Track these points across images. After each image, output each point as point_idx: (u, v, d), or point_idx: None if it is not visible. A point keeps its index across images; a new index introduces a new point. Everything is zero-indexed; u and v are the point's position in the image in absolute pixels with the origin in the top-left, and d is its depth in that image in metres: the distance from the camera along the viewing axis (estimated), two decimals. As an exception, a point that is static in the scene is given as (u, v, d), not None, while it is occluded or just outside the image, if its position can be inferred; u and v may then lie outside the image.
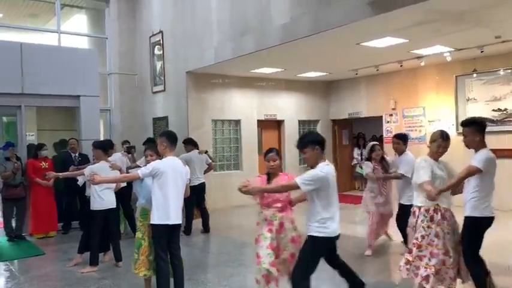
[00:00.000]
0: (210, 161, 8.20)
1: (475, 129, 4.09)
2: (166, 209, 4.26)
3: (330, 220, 3.66)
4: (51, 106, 9.06)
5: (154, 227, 4.32)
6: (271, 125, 11.75)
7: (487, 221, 4.08)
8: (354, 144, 13.11)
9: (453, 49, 8.28)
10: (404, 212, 5.22)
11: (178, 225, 4.47)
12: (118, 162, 6.39)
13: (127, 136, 11.02)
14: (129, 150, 10.15)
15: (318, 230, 3.66)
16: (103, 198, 5.73)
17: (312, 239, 3.70)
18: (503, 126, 8.83)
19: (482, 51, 8.22)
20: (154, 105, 11.36)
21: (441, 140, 4.17)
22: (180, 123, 10.33)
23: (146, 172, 4.24)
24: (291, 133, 11.83)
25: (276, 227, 4.14)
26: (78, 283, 5.36)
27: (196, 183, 7.55)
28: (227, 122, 10.98)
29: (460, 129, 4.38)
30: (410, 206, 4.43)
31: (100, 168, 5.40)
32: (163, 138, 4.44)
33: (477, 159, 4.01)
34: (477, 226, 4.07)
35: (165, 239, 4.38)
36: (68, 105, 8.96)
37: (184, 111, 10.19)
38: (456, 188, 4.13)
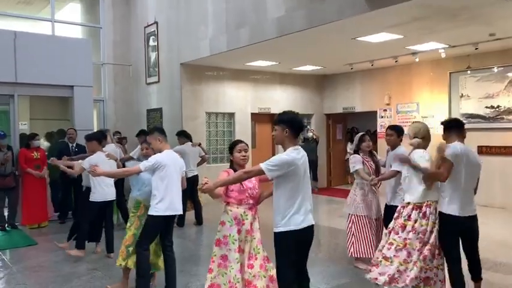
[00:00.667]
0: (204, 153, 8.21)
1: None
2: (170, 200, 4.30)
3: (296, 213, 3.25)
4: (44, 96, 9.00)
5: (154, 218, 4.27)
6: (265, 119, 11.76)
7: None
8: (348, 138, 13.15)
9: (447, 46, 8.32)
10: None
11: (174, 217, 4.50)
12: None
13: (120, 127, 11.01)
14: (121, 141, 10.12)
15: (282, 224, 3.26)
16: (104, 190, 5.76)
17: (277, 236, 3.30)
18: (495, 123, 8.90)
19: (476, 48, 8.26)
20: (149, 97, 11.32)
21: (429, 140, 4.25)
22: (174, 115, 10.31)
23: (148, 165, 4.22)
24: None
25: (246, 227, 3.78)
26: (71, 273, 5.38)
27: (190, 176, 7.56)
28: (221, 115, 10.98)
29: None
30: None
31: (99, 160, 5.35)
32: (156, 134, 4.45)
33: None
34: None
35: (158, 230, 4.40)
36: (62, 95, 8.91)
37: (178, 103, 10.17)
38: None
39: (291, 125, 3.32)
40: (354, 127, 13.27)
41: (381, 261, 4.22)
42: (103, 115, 11.47)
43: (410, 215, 4.12)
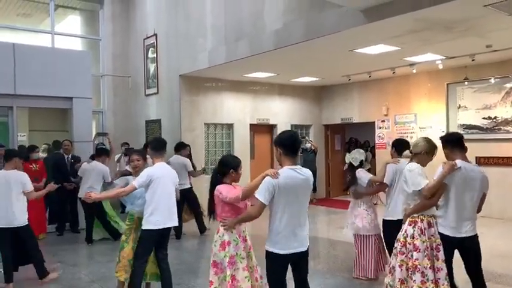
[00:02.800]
0: (191, 169, 8.09)
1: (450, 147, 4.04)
2: (160, 214, 4.30)
3: (280, 235, 3.25)
4: (43, 107, 9.02)
5: (146, 232, 4.32)
6: (263, 130, 11.78)
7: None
8: (346, 149, 13.16)
9: (444, 57, 8.37)
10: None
11: (169, 230, 4.49)
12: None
13: (119, 138, 11.03)
14: (127, 152, 10.10)
15: (268, 244, 3.32)
16: None
17: (266, 255, 3.35)
18: (493, 134, 8.93)
19: (473, 60, 8.30)
20: (147, 108, 11.35)
21: (433, 155, 4.10)
22: (172, 127, 10.33)
23: (141, 181, 4.26)
24: (284, 137, 11.84)
25: (249, 243, 3.83)
26: (69, 286, 5.34)
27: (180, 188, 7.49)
28: (220, 126, 10.99)
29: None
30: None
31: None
32: (148, 149, 4.65)
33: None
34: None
35: (153, 243, 4.41)
36: (61, 107, 8.94)
37: (177, 115, 10.19)
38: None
39: (279, 143, 3.37)
40: (352, 138, 13.30)
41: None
42: (102, 127, 11.49)
43: (406, 230, 3.97)
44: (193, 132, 10.24)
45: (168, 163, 7.33)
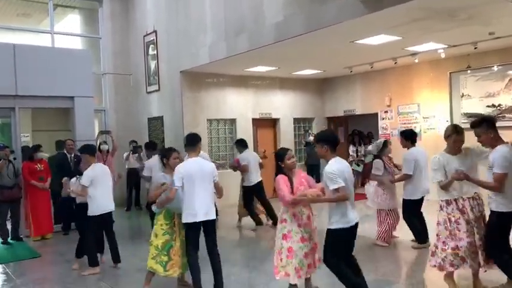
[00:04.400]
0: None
1: (486, 127, 4.19)
2: (193, 208, 4.44)
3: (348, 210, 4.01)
4: (45, 107, 9.02)
5: (185, 226, 4.53)
6: (266, 124, 11.75)
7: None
8: (349, 141, 13.13)
9: (447, 46, 8.30)
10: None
11: (210, 222, 4.58)
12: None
13: (122, 136, 11.04)
14: (136, 150, 10.10)
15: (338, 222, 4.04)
16: (103, 202, 5.65)
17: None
18: (497, 122, 8.79)
19: (475, 48, 8.24)
20: (149, 105, 11.34)
21: (455, 135, 4.31)
22: (175, 123, 10.32)
23: (177, 181, 4.41)
24: (287, 131, 11.83)
25: (304, 221, 4.44)
26: (75, 285, 5.36)
27: None
28: (222, 121, 10.97)
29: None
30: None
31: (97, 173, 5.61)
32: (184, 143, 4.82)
33: (496, 163, 4.04)
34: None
35: (195, 236, 4.54)
36: (62, 106, 8.93)
37: (179, 111, 10.18)
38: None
39: (327, 141, 4.08)
40: (355, 129, 13.24)
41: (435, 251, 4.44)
42: (104, 125, 11.49)
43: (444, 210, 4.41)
44: (196, 129, 10.17)
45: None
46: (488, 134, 4.17)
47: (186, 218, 4.47)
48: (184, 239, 4.67)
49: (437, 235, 4.42)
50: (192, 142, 4.70)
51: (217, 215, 8.71)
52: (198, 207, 4.44)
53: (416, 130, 10.28)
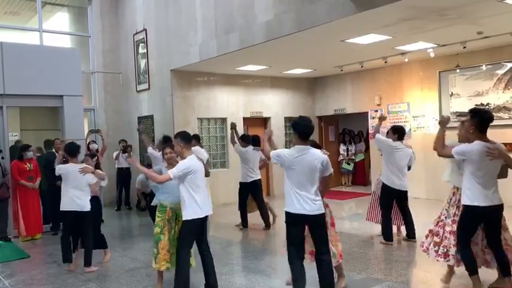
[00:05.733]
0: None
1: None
2: (199, 203, 4.47)
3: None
4: (34, 106, 8.92)
5: (188, 223, 4.48)
6: (257, 122, 11.74)
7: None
8: (340, 140, 13.18)
9: (436, 45, 8.36)
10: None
11: (207, 218, 4.62)
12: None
13: (112, 135, 10.99)
14: (125, 149, 10.03)
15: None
16: (74, 201, 5.75)
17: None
18: (486, 120, 8.95)
19: (464, 47, 8.31)
20: (139, 104, 11.27)
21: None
22: (165, 122, 10.27)
23: (178, 173, 4.37)
24: (278, 130, 11.83)
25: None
26: (64, 286, 5.30)
27: None
28: (213, 120, 10.94)
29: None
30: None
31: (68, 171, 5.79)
32: (178, 139, 4.62)
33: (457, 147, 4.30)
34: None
35: (195, 234, 4.56)
36: (51, 105, 8.84)
37: (169, 110, 10.13)
38: None
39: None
40: (346, 128, 13.30)
41: None
42: (94, 124, 11.39)
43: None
44: (187, 127, 10.14)
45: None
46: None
47: (193, 214, 4.45)
48: (180, 236, 4.63)
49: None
50: (189, 139, 4.69)
51: None
52: (202, 202, 4.50)
53: (406, 129, 10.35)
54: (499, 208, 4.20)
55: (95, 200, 6.06)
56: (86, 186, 5.79)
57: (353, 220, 8.42)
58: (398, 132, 6.36)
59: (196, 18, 9.22)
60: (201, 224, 4.56)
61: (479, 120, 4.18)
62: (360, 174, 12.90)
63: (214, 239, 7.47)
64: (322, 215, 4.17)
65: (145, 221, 8.58)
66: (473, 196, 4.14)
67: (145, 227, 8.46)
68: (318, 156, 4.20)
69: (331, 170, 4.40)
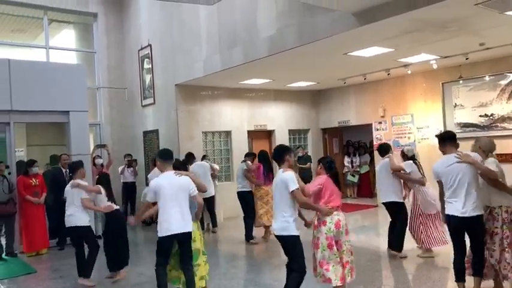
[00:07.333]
0: None
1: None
2: (166, 222, 4.49)
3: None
4: (40, 122, 9.01)
5: (158, 239, 4.58)
6: (261, 135, 11.78)
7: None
8: (344, 152, 13.18)
9: (439, 57, 8.40)
10: None
11: (182, 235, 4.55)
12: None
13: (117, 150, 11.02)
14: (130, 163, 10.07)
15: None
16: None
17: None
18: (490, 131, 8.93)
19: (467, 58, 8.34)
20: (145, 119, 11.35)
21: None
22: (170, 136, 10.33)
23: (150, 195, 4.60)
24: (282, 143, 11.79)
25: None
26: (70, 301, 5.31)
27: None
28: (217, 134, 11.00)
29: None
30: None
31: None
32: (157, 158, 4.92)
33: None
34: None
35: (165, 248, 4.59)
36: (57, 121, 8.91)
37: (174, 124, 10.20)
38: None
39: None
40: (350, 140, 13.31)
41: None
42: (99, 139, 11.47)
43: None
44: (192, 141, 10.24)
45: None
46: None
47: (159, 232, 4.53)
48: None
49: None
50: (166, 156, 4.80)
51: (215, 226, 8.79)
52: (166, 221, 4.50)
53: (410, 140, 10.37)
54: (476, 219, 4.28)
55: (113, 215, 6.00)
56: (78, 201, 5.80)
57: (359, 233, 8.38)
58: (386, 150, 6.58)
59: (200, 34, 9.33)
60: (168, 242, 4.55)
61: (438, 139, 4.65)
62: (365, 186, 12.86)
63: (218, 253, 7.47)
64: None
65: (152, 235, 8.57)
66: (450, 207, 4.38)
67: (151, 242, 8.44)
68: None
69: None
